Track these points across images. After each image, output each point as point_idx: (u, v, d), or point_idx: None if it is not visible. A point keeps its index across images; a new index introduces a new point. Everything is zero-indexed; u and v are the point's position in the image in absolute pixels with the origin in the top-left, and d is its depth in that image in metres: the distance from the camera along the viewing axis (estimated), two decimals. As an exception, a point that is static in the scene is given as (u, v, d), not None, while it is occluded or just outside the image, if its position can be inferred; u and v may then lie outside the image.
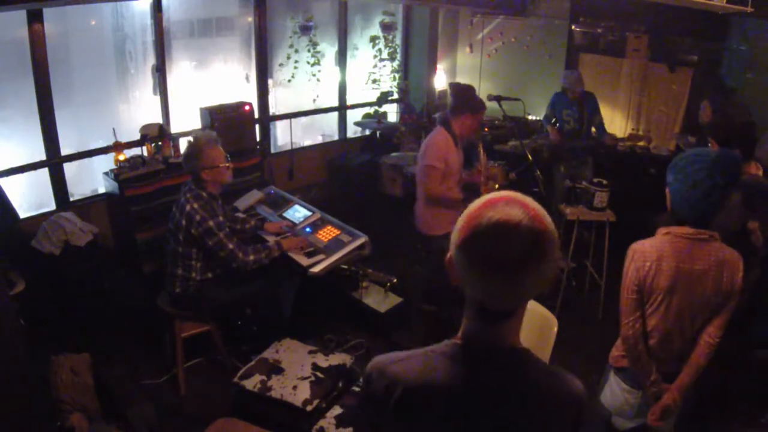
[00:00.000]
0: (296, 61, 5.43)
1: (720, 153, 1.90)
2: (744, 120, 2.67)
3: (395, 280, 3.72)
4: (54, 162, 3.90)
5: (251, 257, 3.14)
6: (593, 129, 5.06)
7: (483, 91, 5.87)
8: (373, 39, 6.04)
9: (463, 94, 3.51)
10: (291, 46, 5.36)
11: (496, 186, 3.86)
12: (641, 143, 5.15)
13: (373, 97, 6.11)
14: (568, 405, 1.07)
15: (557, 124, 5.03)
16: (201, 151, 3.08)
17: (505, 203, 0.96)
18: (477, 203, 1.00)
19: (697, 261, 1.91)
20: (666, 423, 2.08)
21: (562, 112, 5.00)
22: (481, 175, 3.60)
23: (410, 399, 1.04)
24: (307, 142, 5.90)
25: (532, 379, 1.05)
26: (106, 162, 4.08)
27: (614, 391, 2.14)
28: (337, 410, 2.56)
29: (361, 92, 6.17)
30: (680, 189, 1.90)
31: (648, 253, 1.94)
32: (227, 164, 3.17)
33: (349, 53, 5.93)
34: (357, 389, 2.70)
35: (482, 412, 1.02)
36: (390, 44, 6.16)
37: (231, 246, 3.09)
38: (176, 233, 3.11)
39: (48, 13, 3.65)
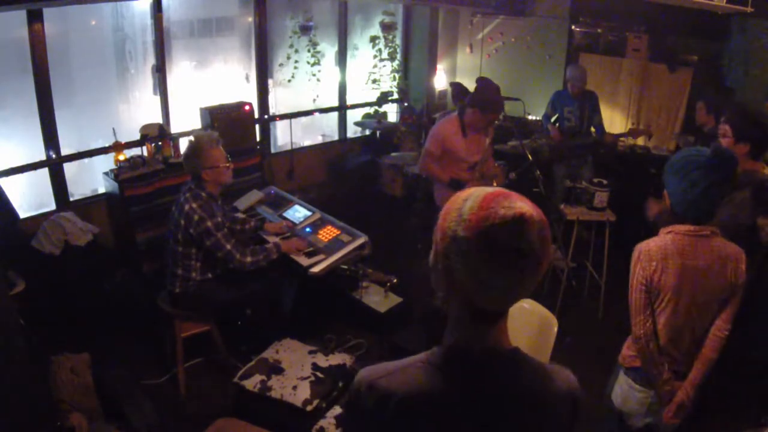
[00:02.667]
0: (296, 61, 5.43)
1: (715, 151, 1.91)
2: (764, 122, 2.68)
3: (395, 280, 3.72)
4: (54, 162, 3.90)
5: (249, 259, 3.14)
6: (592, 128, 5.06)
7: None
8: (373, 39, 6.04)
9: (482, 89, 3.57)
10: (291, 46, 5.36)
11: (494, 184, 3.87)
12: (641, 138, 5.14)
13: (373, 97, 6.11)
14: (565, 402, 1.06)
15: (557, 123, 5.03)
16: (202, 151, 3.07)
17: (505, 198, 0.96)
18: (469, 201, 0.97)
19: (700, 257, 1.93)
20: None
21: (563, 110, 4.99)
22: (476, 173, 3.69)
23: (406, 412, 1.01)
24: (307, 142, 5.90)
25: (528, 379, 1.04)
26: (106, 162, 4.09)
27: (625, 391, 2.14)
28: (337, 410, 2.56)
29: (361, 92, 6.18)
30: (678, 188, 1.93)
31: (653, 253, 1.96)
32: (228, 165, 3.17)
33: (349, 53, 5.93)
34: (348, 403, 2.70)
35: (483, 418, 1.01)
36: (390, 44, 6.16)
37: (228, 247, 3.09)
38: (175, 233, 3.11)
39: (48, 13, 3.65)
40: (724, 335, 1.99)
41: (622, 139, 5.14)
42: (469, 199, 0.98)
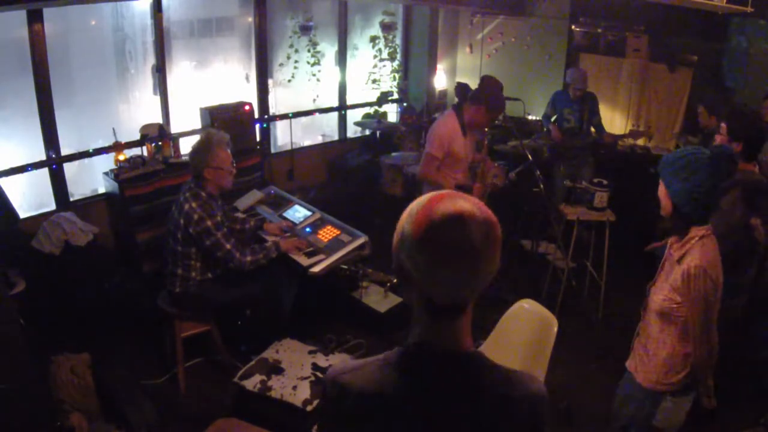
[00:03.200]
0: (296, 61, 5.43)
1: (716, 151, 1.91)
2: (760, 125, 2.69)
3: (395, 280, 3.71)
4: (54, 162, 3.90)
5: (248, 258, 3.14)
6: (592, 129, 5.07)
7: (483, 91, 5.89)
8: (373, 39, 6.04)
9: (488, 86, 3.50)
10: (291, 46, 5.36)
11: (497, 183, 3.88)
12: (642, 140, 5.14)
13: (373, 97, 6.11)
14: (526, 407, 1.05)
15: (557, 123, 5.03)
16: (211, 149, 3.08)
17: (450, 198, 1.00)
18: (420, 202, 1.02)
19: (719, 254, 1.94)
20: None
21: (563, 111, 4.99)
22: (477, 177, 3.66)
23: (360, 408, 1.04)
24: (307, 142, 5.90)
25: (486, 383, 1.04)
26: (106, 162, 4.08)
27: (677, 413, 2.07)
28: (337, 410, 2.56)
29: (361, 92, 6.17)
30: (683, 188, 1.89)
31: (714, 263, 1.90)
32: (232, 169, 3.17)
33: (349, 53, 5.93)
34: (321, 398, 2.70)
35: (434, 421, 1.02)
36: (390, 44, 6.16)
37: (228, 246, 3.09)
38: (175, 233, 3.11)
39: (48, 13, 3.65)
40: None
41: (622, 140, 5.14)
42: (421, 199, 1.03)
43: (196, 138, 3.18)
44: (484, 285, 1.01)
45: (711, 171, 1.85)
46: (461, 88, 4.77)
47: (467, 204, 0.99)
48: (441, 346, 1.03)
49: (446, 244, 0.96)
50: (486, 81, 3.55)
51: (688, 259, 1.90)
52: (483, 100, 3.45)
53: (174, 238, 3.13)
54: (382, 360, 1.07)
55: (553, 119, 5.06)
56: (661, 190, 1.98)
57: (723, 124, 2.68)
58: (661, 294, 2.00)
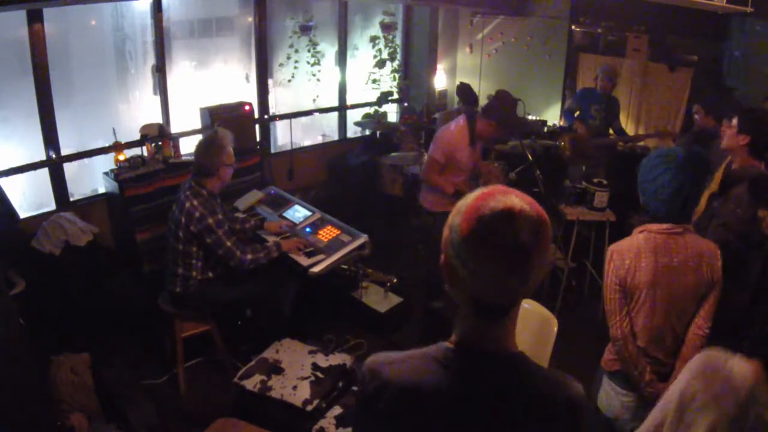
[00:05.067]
0: (296, 61, 5.43)
1: (686, 151, 1.93)
2: None
3: (395, 280, 3.72)
4: (54, 162, 3.90)
5: (249, 256, 3.14)
6: (611, 131, 5.02)
7: (483, 91, 5.90)
8: (373, 39, 6.04)
9: (501, 103, 3.43)
10: (291, 46, 5.36)
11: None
12: (663, 141, 5.08)
13: (373, 97, 6.11)
14: (567, 410, 1.04)
15: (580, 119, 4.95)
16: (222, 148, 3.12)
17: (501, 194, 0.98)
18: (470, 198, 0.99)
19: (674, 255, 1.94)
20: None
21: (590, 107, 4.90)
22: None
23: (400, 402, 1.02)
24: (307, 142, 5.90)
25: (528, 384, 1.03)
26: (106, 162, 4.08)
27: (610, 396, 2.13)
28: (337, 410, 2.56)
29: (361, 92, 6.17)
30: (650, 188, 1.97)
31: (625, 252, 1.98)
32: (235, 164, 3.24)
33: (349, 53, 5.93)
34: (356, 389, 2.70)
35: (475, 419, 1.01)
36: (390, 44, 6.16)
37: (229, 244, 3.10)
38: (176, 231, 3.11)
39: (48, 13, 3.65)
40: (704, 333, 1.98)
41: (638, 141, 5.08)
42: (471, 195, 1.01)
43: (196, 138, 3.21)
44: (534, 284, 0.99)
45: (676, 173, 1.89)
46: (463, 89, 4.74)
47: (518, 200, 0.96)
48: (486, 346, 1.02)
49: (495, 240, 0.94)
50: (500, 96, 3.48)
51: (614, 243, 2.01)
52: (494, 117, 3.41)
53: (175, 236, 3.13)
54: (424, 355, 1.05)
55: (576, 115, 4.94)
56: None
57: (735, 120, 2.67)
58: None
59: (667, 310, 1.97)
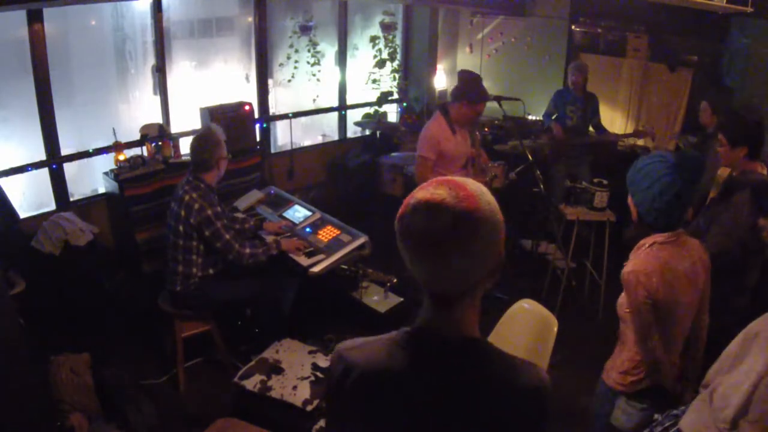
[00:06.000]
0: (296, 61, 5.43)
1: (680, 156, 1.88)
2: (755, 120, 2.69)
3: (395, 280, 3.71)
4: (54, 162, 3.90)
5: (248, 250, 3.16)
6: (591, 128, 5.07)
7: (483, 91, 5.89)
8: (373, 39, 6.04)
9: (466, 81, 3.54)
10: (291, 46, 5.36)
11: (493, 184, 3.88)
12: (643, 141, 5.13)
13: (373, 97, 6.11)
14: (528, 397, 1.03)
15: (558, 120, 5.02)
16: (219, 143, 3.18)
17: (437, 184, 0.99)
18: (420, 186, 1.03)
19: (681, 261, 1.92)
20: None
21: (565, 108, 4.98)
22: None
23: (364, 384, 1.06)
24: (307, 142, 5.90)
25: (486, 369, 1.04)
26: (106, 162, 4.08)
27: (631, 415, 2.06)
28: (337, 410, 2.56)
29: (361, 92, 6.17)
30: (646, 197, 1.89)
31: (651, 271, 1.88)
32: (230, 157, 3.31)
33: (349, 53, 5.93)
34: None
35: (430, 401, 1.02)
36: (390, 44, 6.16)
37: (227, 236, 3.11)
38: (176, 226, 3.12)
39: (48, 13, 3.65)
40: (705, 325, 2.04)
41: (624, 140, 5.13)
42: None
43: (202, 141, 3.22)
44: (471, 278, 0.99)
45: (672, 179, 1.82)
46: (460, 74, 4.72)
47: (445, 191, 0.97)
48: (440, 330, 1.04)
49: (410, 233, 0.97)
50: (462, 75, 3.59)
51: (629, 265, 1.92)
52: (462, 95, 3.50)
53: (175, 232, 3.14)
54: (389, 339, 1.08)
55: (554, 117, 5.06)
56: (630, 198, 1.99)
57: (720, 135, 2.68)
58: (621, 298, 2.04)
59: (689, 316, 1.97)
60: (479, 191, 0.99)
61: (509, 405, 1.03)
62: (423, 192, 0.99)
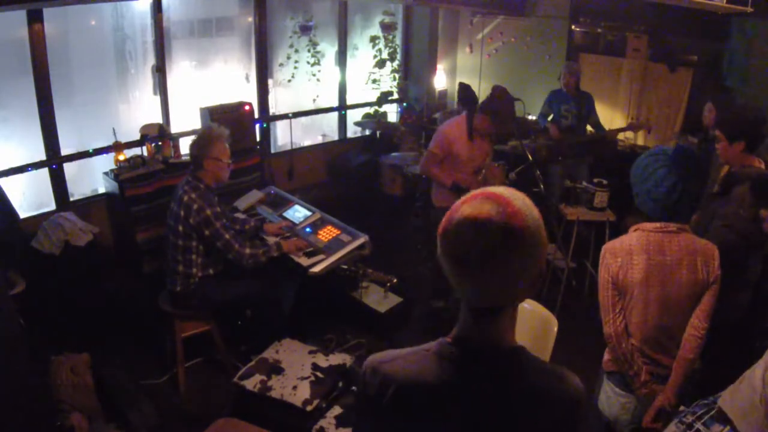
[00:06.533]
0: (296, 61, 5.43)
1: (677, 150, 1.94)
2: (755, 115, 2.69)
3: (395, 280, 3.71)
4: (54, 162, 3.90)
5: (247, 251, 3.15)
6: (589, 128, 5.07)
7: (483, 91, 5.89)
8: (373, 39, 6.04)
9: (496, 98, 3.53)
10: (291, 46, 5.36)
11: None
12: (642, 138, 5.12)
13: (373, 97, 6.11)
14: (565, 404, 1.05)
15: (554, 121, 5.03)
16: (211, 141, 3.14)
17: (483, 198, 0.98)
18: (462, 199, 1.02)
19: (668, 253, 1.94)
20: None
21: (560, 108, 5.00)
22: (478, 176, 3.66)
23: (403, 397, 1.04)
24: (307, 142, 5.90)
25: (527, 378, 1.04)
26: (106, 162, 4.08)
27: (609, 397, 2.13)
28: (337, 410, 2.56)
29: (361, 92, 6.17)
30: (643, 189, 1.98)
31: (617, 250, 1.99)
32: (229, 162, 3.23)
33: (349, 53, 5.93)
34: (356, 389, 2.70)
35: (474, 412, 1.02)
36: (390, 44, 6.16)
37: (227, 236, 3.10)
38: (175, 226, 3.12)
39: (48, 13, 3.65)
40: (701, 335, 1.97)
41: (621, 135, 5.13)
42: (465, 196, 1.03)
43: (196, 135, 3.23)
44: (515, 291, 1.00)
45: (669, 171, 1.90)
46: (460, 89, 4.74)
47: (491, 207, 0.95)
48: (480, 341, 1.03)
49: (456, 249, 0.96)
50: (495, 92, 3.58)
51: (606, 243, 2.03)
52: (489, 111, 3.50)
53: (174, 232, 3.13)
54: (423, 351, 1.07)
55: (549, 118, 5.06)
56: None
57: (718, 131, 2.68)
58: None
59: (661, 308, 1.97)
60: (525, 206, 0.98)
61: (551, 414, 1.04)
62: (468, 207, 0.97)
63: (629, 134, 5.21)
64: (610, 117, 5.49)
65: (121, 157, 3.93)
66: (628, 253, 1.97)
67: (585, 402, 1.06)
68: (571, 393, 1.05)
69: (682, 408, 1.88)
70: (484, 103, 3.54)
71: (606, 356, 2.15)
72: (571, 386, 1.06)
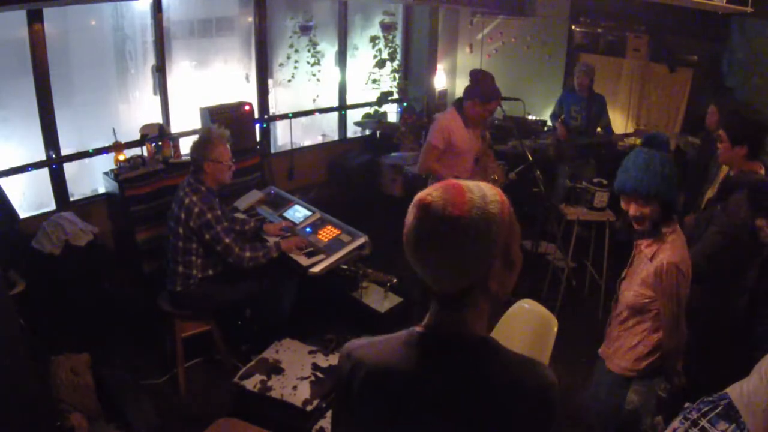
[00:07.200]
0: (296, 61, 5.43)
1: (647, 135, 2.06)
2: (758, 120, 2.69)
3: (395, 280, 3.71)
4: (54, 162, 3.90)
5: (248, 254, 3.15)
6: (599, 129, 5.06)
7: (483, 91, 5.89)
8: (373, 39, 6.04)
9: (478, 80, 3.55)
10: (291, 46, 5.36)
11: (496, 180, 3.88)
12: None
13: (373, 97, 6.11)
14: (536, 396, 1.03)
15: (564, 121, 5.02)
16: (211, 143, 3.13)
17: (439, 187, 1.02)
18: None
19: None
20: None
21: (570, 108, 4.99)
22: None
23: (372, 382, 1.07)
24: (307, 142, 5.90)
25: (493, 368, 1.04)
26: (106, 162, 4.08)
27: (648, 395, 2.13)
28: (337, 410, 2.56)
29: (361, 92, 6.17)
30: (661, 177, 1.97)
31: (686, 259, 2.01)
32: (230, 165, 3.22)
33: (349, 53, 5.93)
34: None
35: (438, 400, 1.03)
36: (390, 44, 6.16)
37: (227, 240, 3.10)
38: (176, 228, 3.12)
39: (48, 13, 3.65)
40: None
41: (624, 140, 5.13)
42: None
43: (196, 138, 3.23)
44: (461, 280, 1.01)
45: (637, 152, 2.01)
46: (472, 73, 4.69)
47: (438, 194, 1.00)
48: (447, 330, 1.05)
49: (407, 232, 1.02)
50: (474, 74, 3.60)
51: (661, 256, 2.00)
52: (475, 93, 3.51)
53: (175, 234, 3.13)
54: (397, 338, 1.10)
55: (560, 118, 5.06)
56: (632, 206, 2.04)
57: (721, 132, 2.68)
58: (631, 290, 2.10)
59: None
60: (479, 198, 0.99)
61: (517, 404, 1.03)
62: (423, 192, 1.02)
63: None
64: (610, 117, 5.48)
65: (121, 157, 3.93)
66: (687, 261, 2.02)
67: (556, 391, 1.04)
68: (541, 383, 1.04)
69: (686, 405, 1.88)
70: (467, 89, 3.57)
71: (640, 364, 2.12)
72: (540, 377, 1.04)
